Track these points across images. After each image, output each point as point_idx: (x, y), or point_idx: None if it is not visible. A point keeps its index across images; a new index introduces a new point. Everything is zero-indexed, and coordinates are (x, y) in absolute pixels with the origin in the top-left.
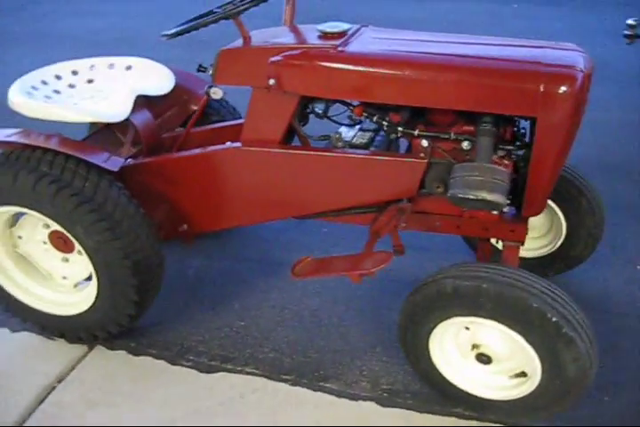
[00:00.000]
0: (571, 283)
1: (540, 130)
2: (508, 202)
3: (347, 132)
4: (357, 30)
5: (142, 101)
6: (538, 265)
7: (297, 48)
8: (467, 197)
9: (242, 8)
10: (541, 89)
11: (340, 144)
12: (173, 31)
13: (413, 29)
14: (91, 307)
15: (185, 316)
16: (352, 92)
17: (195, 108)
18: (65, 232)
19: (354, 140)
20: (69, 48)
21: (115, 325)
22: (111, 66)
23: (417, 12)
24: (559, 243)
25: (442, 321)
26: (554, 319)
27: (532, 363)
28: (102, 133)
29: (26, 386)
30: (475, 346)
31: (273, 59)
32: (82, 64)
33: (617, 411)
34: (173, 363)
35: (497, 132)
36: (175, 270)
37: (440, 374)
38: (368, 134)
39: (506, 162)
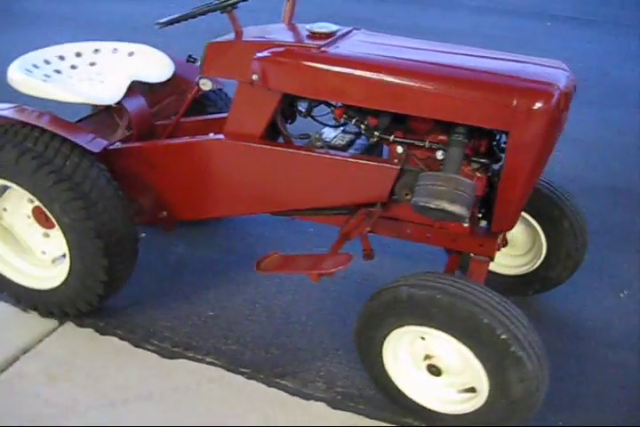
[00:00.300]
0: (549, 304)
1: (511, 145)
2: (480, 216)
3: (328, 133)
4: (347, 33)
5: (140, 88)
6: (517, 283)
7: (281, 45)
8: (427, 205)
9: (232, 2)
10: (515, 103)
11: (318, 144)
12: (165, 20)
13: (440, 40)
14: (62, 283)
15: (158, 301)
16: (329, 93)
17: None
18: (43, 208)
19: (332, 142)
20: (102, 32)
21: (84, 303)
22: (115, 50)
23: (447, 23)
24: (538, 262)
25: (395, 328)
26: (503, 336)
27: (480, 379)
28: (100, 116)
29: None
30: (427, 356)
31: (257, 55)
32: (87, 47)
33: None
34: (137, 345)
35: (468, 143)
36: (157, 256)
37: (392, 382)
38: (348, 137)
39: (478, 175)
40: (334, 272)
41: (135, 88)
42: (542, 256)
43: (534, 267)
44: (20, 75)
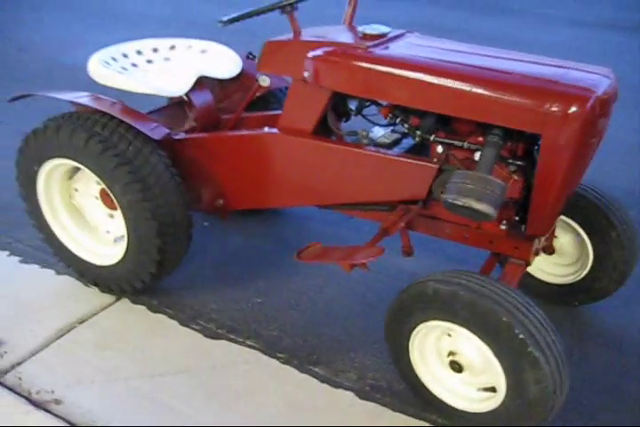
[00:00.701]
0: (597, 316)
1: (543, 148)
2: (518, 219)
3: (377, 132)
4: (399, 35)
5: (209, 84)
6: (562, 292)
7: (332, 45)
8: (455, 202)
9: (291, 2)
10: (548, 107)
11: (365, 141)
12: (228, 18)
13: (526, 52)
14: (120, 261)
15: (210, 286)
16: (373, 92)
17: (258, 94)
18: (107, 189)
19: (378, 140)
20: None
21: (138, 280)
22: (189, 47)
23: (536, 35)
24: (584, 273)
25: (421, 322)
26: (520, 336)
27: (498, 378)
28: (173, 108)
29: (51, 321)
30: (451, 353)
31: (309, 53)
32: (164, 43)
33: None
34: (184, 324)
35: (503, 145)
36: (216, 244)
37: (417, 376)
38: (395, 136)
39: (515, 177)
40: (365, 263)
41: (204, 83)
42: (588, 267)
43: (580, 277)
44: (97, 66)
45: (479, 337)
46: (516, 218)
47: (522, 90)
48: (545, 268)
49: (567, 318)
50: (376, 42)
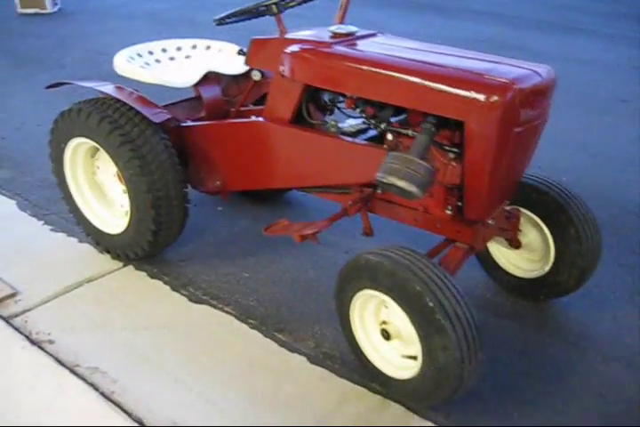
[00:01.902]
0: (565, 312)
1: (467, 135)
2: (461, 204)
3: (347, 122)
4: (367, 35)
5: (220, 79)
6: (529, 286)
7: (303, 42)
8: (382, 180)
9: (274, 1)
10: (470, 96)
11: (332, 130)
12: (218, 17)
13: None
14: (125, 230)
15: (208, 260)
16: (334, 84)
17: (266, 89)
18: (115, 165)
19: (344, 129)
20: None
21: (139, 248)
22: (208, 47)
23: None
24: (547, 268)
25: (357, 291)
26: (430, 304)
27: (416, 346)
28: (191, 101)
29: (63, 279)
30: (384, 322)
31: (285, 50)
32: (187, 43)
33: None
34: (175, 290)
35: (436, 132)
36: (224, 226)
37: (356, 342)
38: (361, 126)
39: (453, 164)
40: (310, 234)
41: (213, 78)
42: (551, 262)
43: (544, 272)
44: (120, 61)
45: (399, 305)
46: (459, 204)
47: (450, 80)
48: (516, 262)
49: (533, 311)
50: (340, 40)
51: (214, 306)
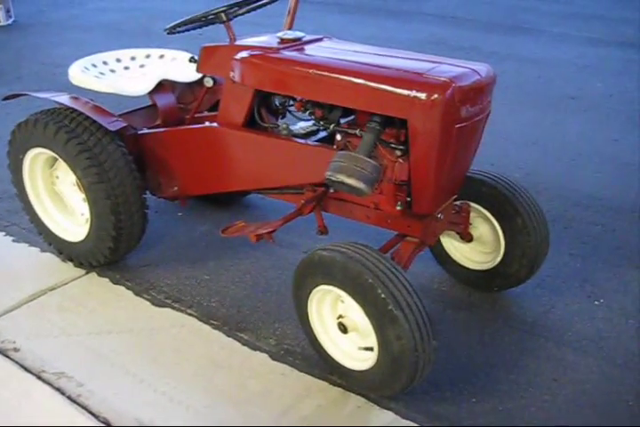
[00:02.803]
0: (519, 302)
1: (410, 133)
2: (409, 199)
3: (298, 125)
4: (314, 40)
5: (175, 87)
6: (482, 278)
7: (252, 49)
8: (331, 178)
9: (222, 10)
10: (411, 94)
11: (283, 132)
12: (169, 26)
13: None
14: (86, 237)
15: (169, 264)
16: (281, 88)
17: (219, 95)
18: (73, 174)
19: (295, 131)
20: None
21: (100, 254)
22: (161, 56)
23: (509, 49)
24: (498, 259)
25: (314, 287)
26: (382, 295)
27: (372, 337)
28: (148, 109)
29: (27, 288)
30: (340, 316)
31: (234, 56)
32: (140, 52)
33: (477, 413)
34: (137, 294)
35: (381, 130)
36: (184, 231)
37: (316, 338)
38: (312, 128)
39: (401, 161)
40: (265, 233)
41: (167, 86)
42: (501, 253)
43: (496, 263)
44: (75, 71)
45: (353, 298)
46: (408, 199)
47: (391, 81)
48: (469, 255)
49: (488, 302)
50: (287, 45)
51: (176, 309)
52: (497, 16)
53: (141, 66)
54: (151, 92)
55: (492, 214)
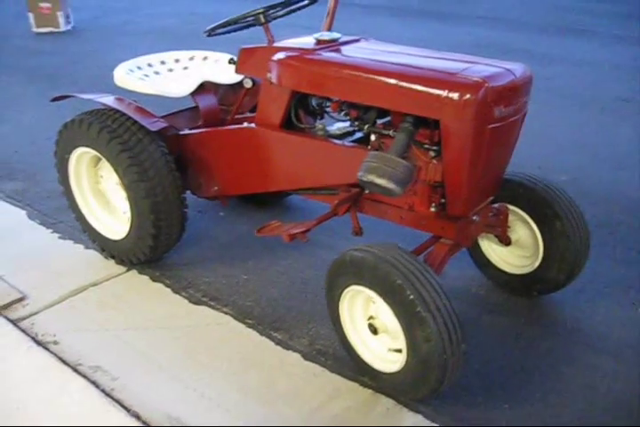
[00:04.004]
0: (559, 306)
1: (443, 133)
2: (444, 201)
3: (335, 126)
4: (350, 41)
5: (217, 88)
6: (521, 282)
7: (289, 50)
8: (362, 178)
9: (260, 11)
10: (444, 95)
11: (320, 133)
12: (209, 28)
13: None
14: (127, 235)
15: (208, 263)
16: (318, 89)
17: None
18: (115, 172)
19: (331, 131)
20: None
21: (140, 252)
22: (205, 58)
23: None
24: (537, 264)
25: (346, 287)
26: (410, 297)
27: (401, 338)
28: (192, 110)
29: (69, 284)
30: (371, 317)
31: (271, 58)
32: (184, 55)
33: (509, 420)
34: (176, 292)
35: (414, 131)
36: (225, 230)
37: (346, 338)
38: (348, 128)
39: (434, 162)
40: (298, 233)
41: (209, 88)
42: (540, 257)
43: (534, 268)
44: (120, 73)
45: (382, 299)
46: (443, 201)
47: (424, 81)
48: (508, 259)
49: (527, 307)
50: (325, 46)
51: (213, 307)
52: (551, 18)
53: (185, 68)
54: (193, 94)
55: (531, 217)
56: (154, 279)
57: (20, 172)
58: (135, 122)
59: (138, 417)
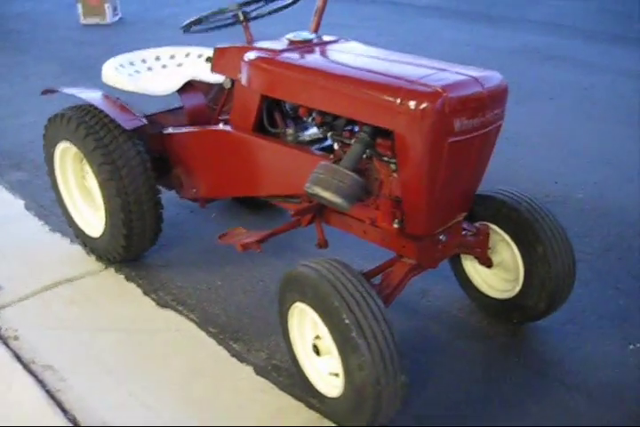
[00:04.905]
0: (545, 338)
1: (397, 145)
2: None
3: (309, 131)
4: (325, 42)
5: (206, 87)
6: (502, 308)
7: (258, 50)
8: (308, 190)
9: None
10: (398, 103)
11: (289, 138)
12: (185, 24)
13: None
14: (102, 233)
15: (187, 266)
16: (277, 92)
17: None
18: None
19: (300, 138)
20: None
21: (115, 252)
22: (200, 55)
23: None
24: (517, 289)
25: (293, 303)
26: (346, 321)
27: (338, 363)
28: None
29: (45, 278)
30: (317, 337)
31: (242, 58)
32: (180, 51)
33: None
34: (146, 293)
35: (370, 142)
36: (213, 232)
37: (295, 355)
38: (317, 136)
39: (395, 175)
40: (251, 243)
41: (197, 86)
42: (520, 283)
43: (514, 293)
44: (107, 68)
45: (322, 319)
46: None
47: (378, 88)
48: (490, 281)
49: (506, 334)
50: (294, 47)
51: (179, 312)
52: (605, 24)
53: (179, 65)
54: (180, 92)
55: (512, 239)
56: (128, 279)
57: (28, 162)
58: (113, 119)
59: (74, 422)
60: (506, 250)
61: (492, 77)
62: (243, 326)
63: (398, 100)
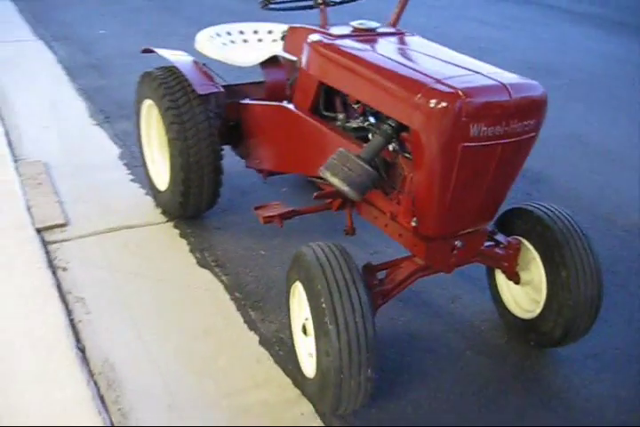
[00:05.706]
0: (556, 366)
1: (412, 141)
2: None
3: (359, 119)
4: (388, 33)
5: (294, 64)
6: (522, 327)
7: (319, 33)
8: (320, 174)
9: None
10: (416, 100)
11: (338, 124)
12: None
13: None
14: (166, 188)
15: (240, 232)
16: (329, 79)
17: None
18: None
19: (346, 124)
20: None
21: (172, 207)
22: (283, 32)
23: None
24: (538, 311)
25: (293, 282)
26: (323, 305)
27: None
28: None
29: (110, 222)
30: (307, 318)
31: (305, 40)
32: (264, 27)
33: None
34: (191, 251)
35: (392, 134)
36: None
37: (292, 333)
38: (366, 123)
39: None
40: (277, 219)
41: (282, 63)
42: (541, 305)
43: (534, 315)
44: (202, 37)
45: (307, 300)
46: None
47: (404, 82)
48: (518, 299)
49: (520, 355)
50: (354, 35)
51: (215, 273)
52: None
53: (259, 40)
54: (263, 66)
55: (541, 259)
56: (181, 235)
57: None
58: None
59: (82, 350)
60: (536, 269)
61: (527, 87)
62: (266, 297)
63: (418, 97)
